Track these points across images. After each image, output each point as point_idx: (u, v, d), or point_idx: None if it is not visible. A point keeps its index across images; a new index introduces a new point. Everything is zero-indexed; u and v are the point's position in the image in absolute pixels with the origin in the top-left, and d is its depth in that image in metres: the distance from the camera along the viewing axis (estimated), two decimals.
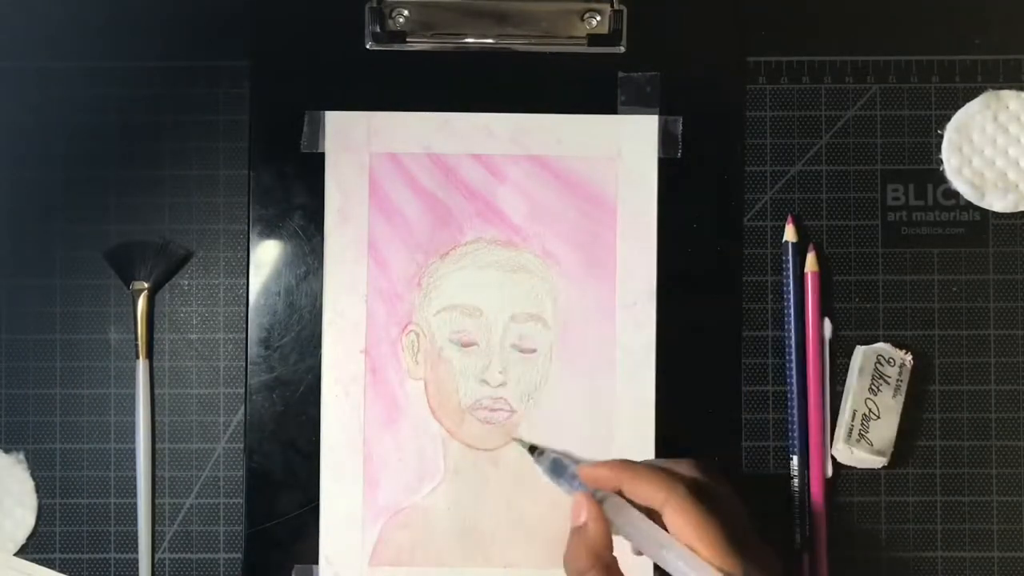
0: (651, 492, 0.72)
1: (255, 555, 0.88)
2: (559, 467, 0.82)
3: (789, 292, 0.87)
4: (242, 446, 0.88)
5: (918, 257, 0.89)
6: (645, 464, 0.75)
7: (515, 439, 0.87)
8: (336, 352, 0.88)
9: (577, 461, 0.81)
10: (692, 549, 0.70)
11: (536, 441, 0.87)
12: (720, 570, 0.68)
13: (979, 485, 0.88)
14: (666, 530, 0.72)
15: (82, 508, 0.89)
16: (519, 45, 0.89)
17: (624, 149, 0.88)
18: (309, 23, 0.89)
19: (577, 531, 0.75)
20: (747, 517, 0.76)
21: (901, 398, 0.86)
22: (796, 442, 0.87)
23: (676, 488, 0.71)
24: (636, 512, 0.74)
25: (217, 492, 0.89)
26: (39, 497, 0.89)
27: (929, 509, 0.88)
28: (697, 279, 0.88)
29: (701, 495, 0.72)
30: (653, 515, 0.73)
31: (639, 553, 0.74)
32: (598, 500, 0.75)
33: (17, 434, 0.89)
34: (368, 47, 0.89)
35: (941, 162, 0.89)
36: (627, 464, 0.75)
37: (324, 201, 0.88)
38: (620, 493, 0.75)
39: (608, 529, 0.74)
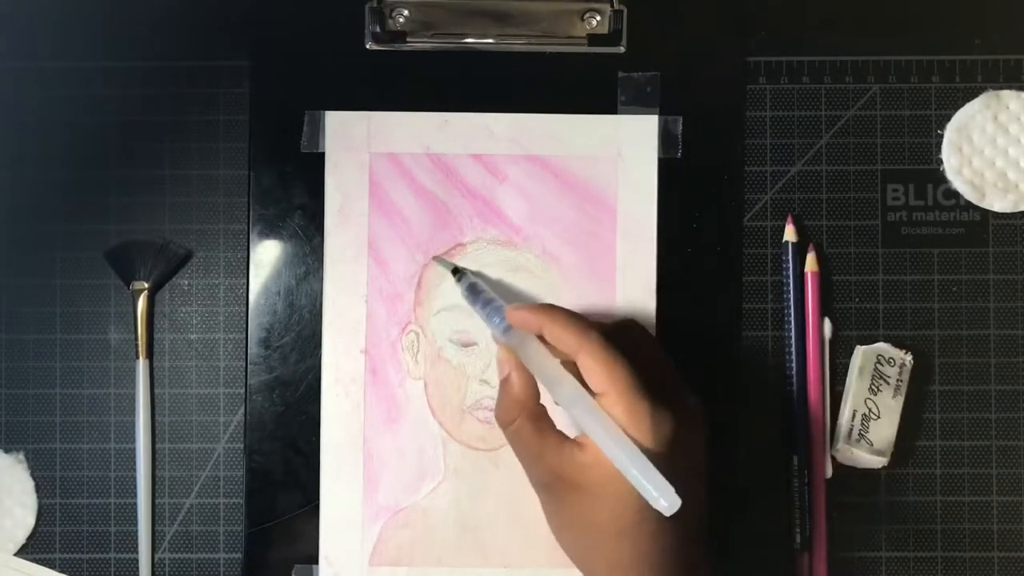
0: (567, 336, 0.72)
1: (255, 555, 0.88)
2: (475, 292, 0.83)
3: (789, 292, 0.87)
4: (242, 446, 0.88)
5: (918, 257, 0.89)
6: (568, 312, 0.75)
7: (435, 258, 0.88)
8: (336, 352, 0.88)
9: (503, 304, 0.80)
10: (603, 396, 0.70)
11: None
12: (628, 417, 0.69)
13: (979, 485, 0.88)
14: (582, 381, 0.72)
15: (82, 508, 0.89)
16: (519, 45, 0.89)
17: (624, 149, 0.88)
18: (309, 23, 0.89)
19: (503, 384, 0.75)
20: (672, 368, 0.78)
21: (901, 398, 0.87)
22: (796, 442, 0.86)
23: (590, 333, 0.71)
24: (550, 358, 0.74)
25: (217, 492, 0.89)
26: (39, 497, 0.89)
27: (929, 509, 0.88)
28: (697, 279, 0.88)
29: (617, 342, 0.72)
30: (572, 367, 0.73)
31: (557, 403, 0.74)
32: (513, 344, 0.76)
33: (17, 434, 0.89)
34: (368, 47, 0.89)
35: (941, 162, 0.89)
36: (549, 308, 0.75)
37: (324, 201, 0.88)
38: (541, 339, 0.75)
39: (532, 380, 0.74)
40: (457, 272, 0.85)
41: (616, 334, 0.73)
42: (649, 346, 0.78)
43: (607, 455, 0.69)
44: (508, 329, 0.77)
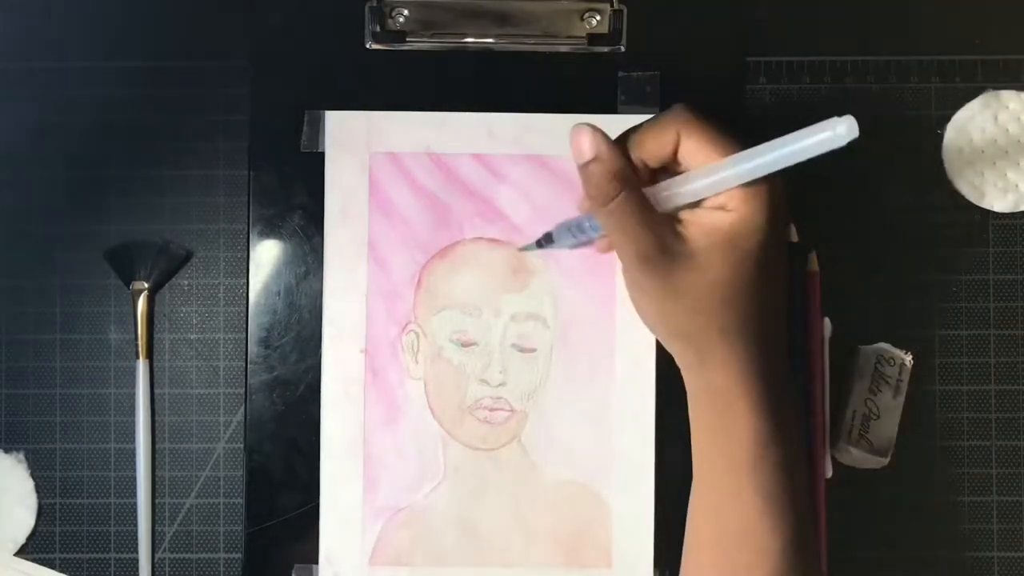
0: (662, 128, 0.71)
1: (255, 555, 0.87)
2: (566, 229, 0.78)
3: (789, 292, 0.87)
4: (242, 446, 0.88)
5: (918, 257, 0.89)
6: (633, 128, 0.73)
7: (521, 249, 0.86)
8: (336, 352, 0.88)
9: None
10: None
11: (536, 441, 0.87)
12: None
13: (979, 485, 0.88)
14: None
15: (82, 508, 0.89)
16: (519, 45, 0.89)
17: None
18: (309, 22, 0.90)
19: (596, 161, 0.71)
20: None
21: (901, 398, 0.87)
22: None
23: (686, 108, 0.71)
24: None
25: (217, 492, 0.89)
26: (39, 497, 0.89)
27: (929, 509, 0.88)
28: None
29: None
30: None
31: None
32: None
33: (17, 434, 0.89)
34: (368, 46, 0.89)
35: (941, 162, 0.89)
36: (624, 135, 0.73)
37: (324, 201, 0.88)
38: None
39: (623, 150, 0.71)
40: (540, 243, 0.81)
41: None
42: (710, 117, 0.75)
43: (754, 174, 0.68)
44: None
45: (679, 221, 0.70)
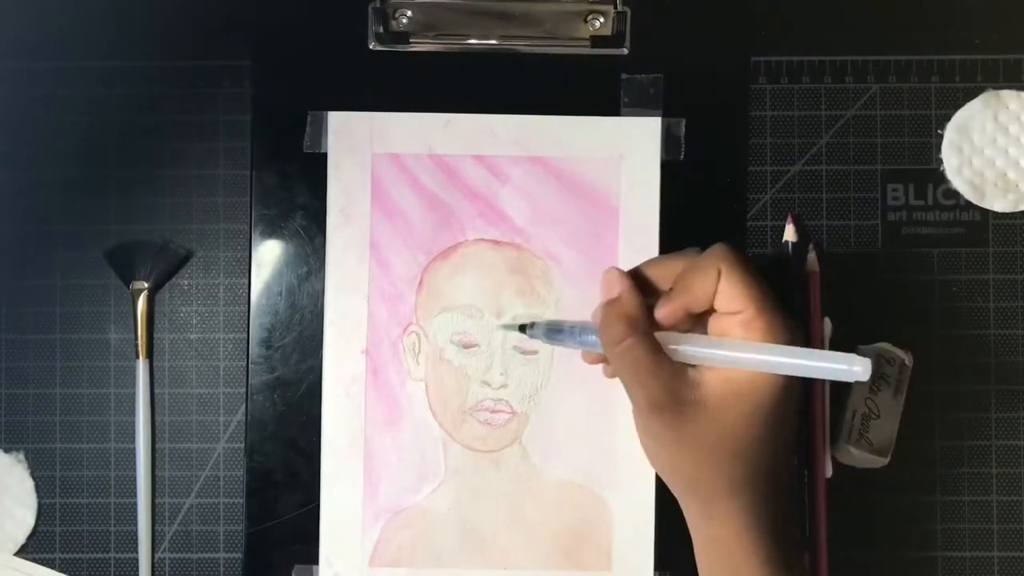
0: (704, 270, 0.71)
1: (255, 555, 0.88)
2: (554, 328, 0.80)
3: (789, 292, 0.87)
4: (242, 446, 0.88)
5: (918, 257, 0.89)
6: (662, 260, 0.75)
7: (502, 325, 0.88)
8: (337, 352, 0.88)
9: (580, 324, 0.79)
10: (740, 313, 0.69)
11: (537, 443, 0.87)
12: (768, 330, 0.69)
13: (979, 485, 0.88)
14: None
15: (82, 508, 0.89)
16: (522, 46, 0.89)
17: (627, 151, 0.88)
18: (312, 23, 0.89)
19: (610, 303, 0.73)
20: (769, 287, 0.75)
21: (901, 398, 0.87)
22: (796, 442, 0.87)
23: (727, 252, 0.71)
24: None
25: (217, 492, 0.89)
26: (39, 497, 0.89)
27: (929, 509, 0.88)
28: None
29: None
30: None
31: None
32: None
33: (17, 434, 0.89)
34: (371, 48, 0.89)
35: (941, 162, 0.89)
36: (647, 265, 0.75)
37: (326, 201, 0.88)
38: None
39: (643, 299, 0.73)
40: (524, 328, 0.84)
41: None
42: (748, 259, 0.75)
43: (772, 369, 0.68)
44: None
45: (694, 367, 0.71)
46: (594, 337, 0.75)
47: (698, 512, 0.73)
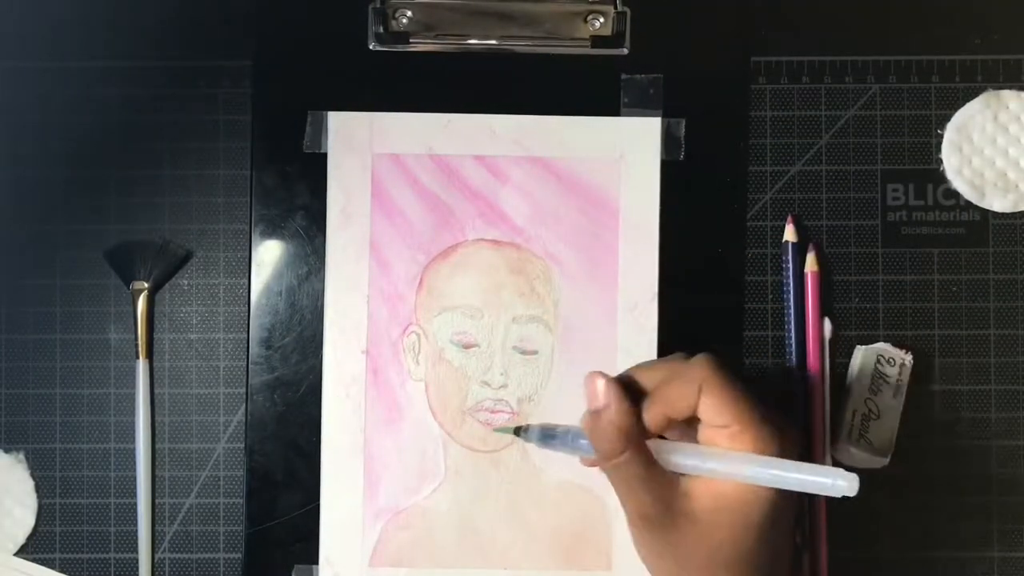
0: (686, 383, 0.70)
1: (255, 555, 0.88)
2: (548, 434, 0.77)
3: (789, 292, 0.88)
4: (242, 446, 0.88)
5: (918, 257, 0.89)
6: (649, 366, 0.74)
7: (497, 430, 0.86)
8: (337, 352, 0.88)
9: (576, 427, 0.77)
10: (727, 427, 0.69)
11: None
12: (756, 444, 0.68)
13: (979, 485, 0.88)
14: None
15: (82, 508, 0.89)
16: (522, 47, 0.89)
17: (627, 151, 0.88)
18: (312, 23, 0.89)
19: (599, 413, 0.71)
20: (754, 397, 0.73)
21: (901, 398, 0.87)
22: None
23: (709, 365, 0.70)
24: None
25: (217, 492, 0.89)
26: (39, 497, 0.88)
27: (929, 509, 0.88)
28: (699, 281, 0.88)
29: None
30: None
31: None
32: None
33: (17, 434, 0.89)
34: (371, 48, 0.89)
35: (941, 162, 0.89)
36: (632, 372, 0.73)
37: (326, 201, 0.88)
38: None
39: (633, 408, 0.71)
40: (519, 431, 0.81)
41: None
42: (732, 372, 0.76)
43: (756, 481, 0.68)
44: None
45: (685, 476, 0.71)
46: (587, 442, 0.73)
47: None
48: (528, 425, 0.78)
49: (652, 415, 0.70)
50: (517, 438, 0.78)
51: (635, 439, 0.70)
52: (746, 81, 0.90)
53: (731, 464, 0.69)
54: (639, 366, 0.74)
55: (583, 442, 0.73)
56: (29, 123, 0.90)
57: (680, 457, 0.70)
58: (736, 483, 0.68)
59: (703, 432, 0.71)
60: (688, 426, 0.72)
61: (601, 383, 0.71)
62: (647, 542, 0.72)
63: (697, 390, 0.69)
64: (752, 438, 0.68)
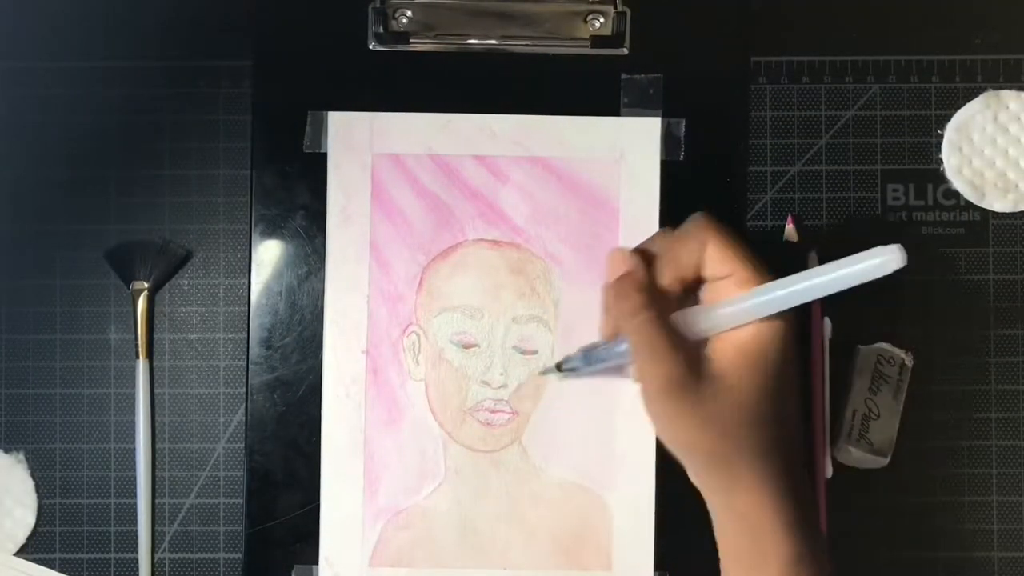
0: (690, 240, 0.72)
1: (255, 555, 0.87)
2: (589, 352, 0.79)
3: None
4: (242, 446, 0.88)
5: (918, 257, 0.89)
6: (653, 237, 0.76)
7: (542, 373, 0.88)
8: (337, 352, 0.88)
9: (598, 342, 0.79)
10: (731, 276, 0.70)
11: (537, 444, 0.87)
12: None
13: (979, 485, 0.88)
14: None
15: (82, 508, 0.89)
16: (522, 46, 0.89)
17: (627, 151, 0.88)
18: (312, 23, 0.89)
19: (623, 277, 0.73)
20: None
21: (901, 398, 0.87)
22: None
23: (708, 220, 0.72)
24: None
25: (217, 492, 0.89)
26: (39, 497, 0.89)
27: (929, 509, 0.88)
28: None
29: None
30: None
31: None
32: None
33: (17, 434, 0.89)
34: (371, 47, 0.89)
35: (941, 162, 0.89)
36: (648, 244, 0.75)
37: (326, 201, 0.88)
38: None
39: (653, 276, 0.73)
40: (560, 365, 0.84)
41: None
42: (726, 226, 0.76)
43: (797, 300, 0.68)
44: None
45: (706, 341, 0.71)
46: (626, 346, 0.74)
47: (720, 486, 0.72)
48: (566, 357, 0.81)
49: (666, 277, 0.72)
50: (559, 373, 0.82)
51: (657, 301, 0.72)
52: (746, 81, 0.90)
53: (773, 292, 0.69)
54: (646, 240, 0.76)
55: (623, 347, 0.74)
56: (29, 123, 0.90)
57: (702, 319, 0.71)
58: (753, 330, 0.69)
59: (709, 291, 0.72)
60: (685, 300, 0.73)
61: (624, 252, 0.74)
62: (669, 410, 0.71)
63: (700, 245, 0.71)
64: (757, 281, 0.69)
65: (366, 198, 0.88)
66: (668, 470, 0.85)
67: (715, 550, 0.73)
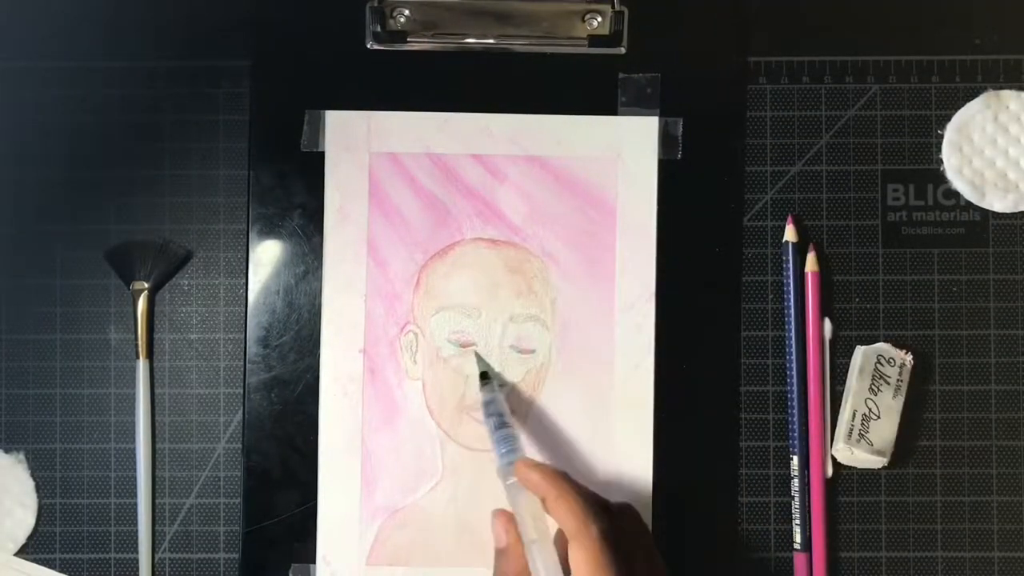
0: (568, 520, 0.72)
1: (252, 554, 0.88)
2: (491, 410, 0.83)
3: (789, 292, 0.87)
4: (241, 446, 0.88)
5: (918, 257, 0.89)
6: (577, 488, 0.74)
7: (476, 353, 0.88)
8: (335, 351, 0.88)
9: (517, 435, 0.81)
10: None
11: (537, 444, 0.87)
12: None
13: (979, 485, 0.88)
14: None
15: (82, 508, 0.89)
16: (520, 45, 0.89)
17: (624, 150, 0.88)
18: (310, 22, 0.90)
19: (503, 553, 0.78)
20: (662, 566, 0.77)
21: (901, 398, 0.87)
22: (796, 442, 0.87)
23: (589, 527, 0.71)
24: (540, 520, 0.75)
25: (217, 492, 0.89)
26: (39, 497, 0.89)
27: (929, 509, 0.88)
28: (697, 280, 0.88)
29: (615, 543, 0.72)
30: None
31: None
32: (508, 485, 0.77)
33: (17, 434, 0.89)
34: (369, 46, 0.89)
35: (941, 162, 0.89)
36: (558, 481, 0.74)
37: (324, 200, 0.88)
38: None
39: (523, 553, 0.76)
40: (485, 378, 0.86)
41: (620, 533, 0.73)
42: (643, 537, 0.78)
43: None
44: (510, 466, 0.77)
45: None
46: (505, 451, 0.80)
47: None
48: (492, 380, 0.86)
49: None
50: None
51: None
52: (743, 81, 0.90)
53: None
54: (561, 483, 0.76)
55: (503, 450, 0.80)
56: (29, 123, 0.90)
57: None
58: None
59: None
60: None
61: (503, 523, 0.79)
62: None
63: (570, 536, 0.72)
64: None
65: (364, 197, 0.88)
66: (668, 469, 0.86)
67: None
